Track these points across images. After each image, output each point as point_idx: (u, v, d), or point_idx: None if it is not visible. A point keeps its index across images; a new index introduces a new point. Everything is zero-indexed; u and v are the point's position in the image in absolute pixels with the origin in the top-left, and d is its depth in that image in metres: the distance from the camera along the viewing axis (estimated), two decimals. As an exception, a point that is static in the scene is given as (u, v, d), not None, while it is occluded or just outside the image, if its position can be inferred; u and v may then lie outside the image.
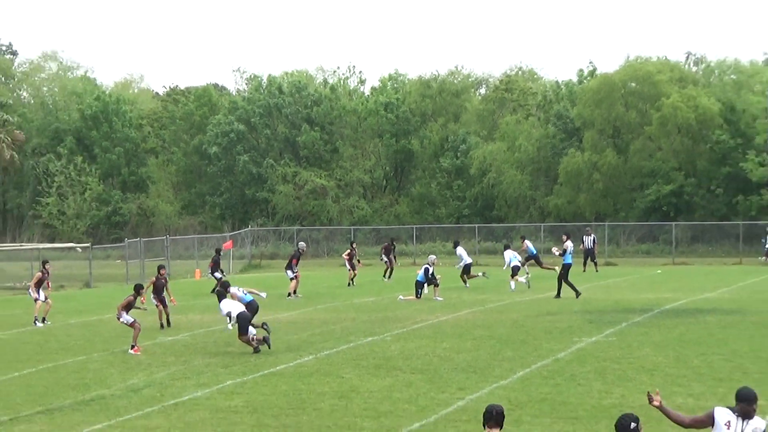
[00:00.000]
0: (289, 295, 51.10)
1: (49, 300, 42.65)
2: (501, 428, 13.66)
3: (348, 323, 39.84)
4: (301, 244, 57.01)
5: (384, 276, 62.35)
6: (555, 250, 50.93)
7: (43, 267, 44.48)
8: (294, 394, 25.47)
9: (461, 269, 56.29)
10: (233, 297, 34.72)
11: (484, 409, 14.16)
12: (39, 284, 42.47)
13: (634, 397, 24.10)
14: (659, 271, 67.06)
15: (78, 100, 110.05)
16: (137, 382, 27.57)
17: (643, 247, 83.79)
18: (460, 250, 56.95)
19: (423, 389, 25.66)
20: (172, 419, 22.96)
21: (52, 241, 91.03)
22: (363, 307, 46.29)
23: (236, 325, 33.02)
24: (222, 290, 34.82)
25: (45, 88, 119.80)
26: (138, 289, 35.00)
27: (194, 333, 37.86)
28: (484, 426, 13.78)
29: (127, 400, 25.19)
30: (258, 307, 34.86)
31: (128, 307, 34.34)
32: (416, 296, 49.09)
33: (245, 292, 35.48)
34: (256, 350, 32.39)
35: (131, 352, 33.19)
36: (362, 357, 31.05)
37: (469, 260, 56.55)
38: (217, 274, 55.61)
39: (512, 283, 53.52)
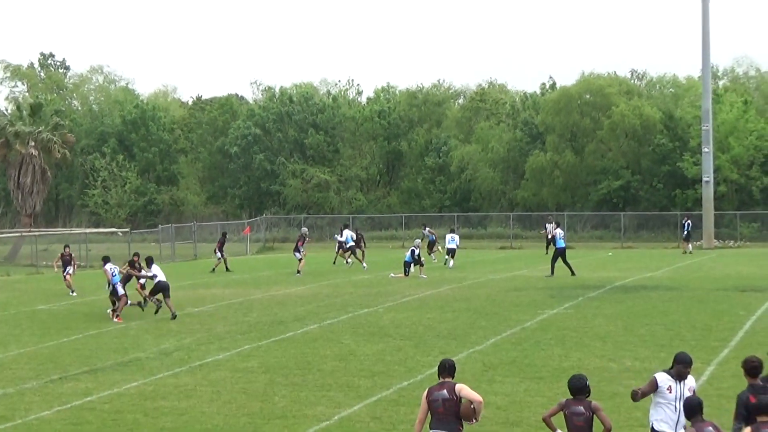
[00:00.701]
0: (298, 272, 50.91)
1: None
2: (453, 378, 13.61)
3: (347, 297, 39.72)
4: (304, 229, 56.79)
5: (335, 260, 60.62)
6: (548, 230, 50.22)
7: (65, 249, 44.48)
8: (301, 356, 25.37)
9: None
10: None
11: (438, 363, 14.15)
12: (65, 263, 42.81)
13: (590, 360, 24.02)
14: (610, 254, 66.98)
15: (120, 107, 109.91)
16: (168, 347, 27.46)
17: (596, 233, 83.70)
18: (450, 235, 57.08)
19: (410, 353, 25.57)
20: (198, 378, 22.86)
21: (97, 226, 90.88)
22: (359, 283, 46.14)
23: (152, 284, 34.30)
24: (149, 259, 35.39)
25: (92, 97, 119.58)
26: (131, 264, 35.29)
27: (217, 305, 37.71)
28: (438, 376, 13.73)
29: (160, 362, 25.08)
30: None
31: (127, 279, 34.75)
32: (404, 274, 49.04)
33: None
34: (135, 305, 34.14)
35: (114, 320, 33.06)
36: (359, 326, 30.95)
37: (450, 245, 56.45)
38: (218, 254, 55.55)
39: (450, 262, 55.53)
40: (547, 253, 62.45)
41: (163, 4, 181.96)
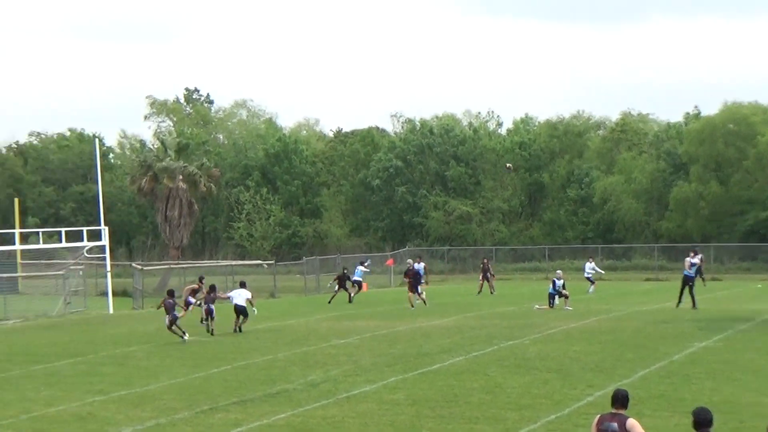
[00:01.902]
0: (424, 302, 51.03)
1: (192, 307, 42.60)
2: (626, 409, 13.50)
3: (492, 329, 39.53)
4: (408, 261, 56.83)
5: (479, 292, 60.81)
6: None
7: (200, 281, 45.00)
8: (447, 389, 25.31)
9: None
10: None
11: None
12: (194, 293, 42.86)
13: (742, 394, 23.48)
14: (759, 286, 65.51)
15: (262, 140, 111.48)
16: (315, 378, 27.64)
17: (744, 264, 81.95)
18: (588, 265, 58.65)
19: (557, 386, 25.31)
20: (345, 410, 22.95)
21: (243, 258, 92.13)
22: (504, 315, 45.92)
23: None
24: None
25: (236, 131, 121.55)
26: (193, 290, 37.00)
27: (362, 337, 37.87)
28: (612, 406, 13.63)
29: (307, 393, 25.26)
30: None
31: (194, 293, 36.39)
32: (549, 306, 48.69)
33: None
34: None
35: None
36: (505, 358, 30.77)
37: (587, 274, 59.68)
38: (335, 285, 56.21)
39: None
40: (704, 285, 61.34)
41: (304, 39, 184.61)
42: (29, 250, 61.75)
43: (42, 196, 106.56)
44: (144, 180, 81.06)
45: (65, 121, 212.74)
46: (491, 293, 59.72)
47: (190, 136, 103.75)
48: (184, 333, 37.72)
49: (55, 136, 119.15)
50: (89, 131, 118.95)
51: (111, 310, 51.96)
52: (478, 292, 59.54)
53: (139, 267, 64.03)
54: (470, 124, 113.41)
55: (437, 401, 23.67)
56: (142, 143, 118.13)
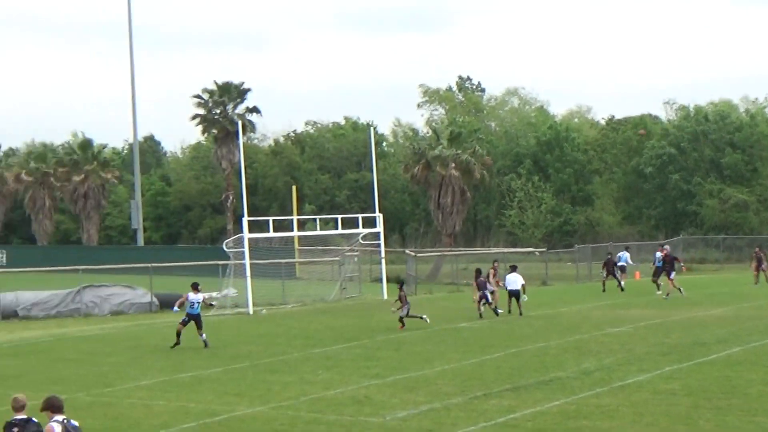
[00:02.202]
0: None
1: (495, 292, 42.82)
2: None
3: (771, 320, 38.21)
4: (665, 247, 55.07)
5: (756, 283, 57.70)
6: None
7: (493, 264, 45.02)
8: (724, 380, 24.65)
9: None
10: None
11: None
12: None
13: None
14: None
15: (534, 128, 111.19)
16: (588, 366, 27.40)
17: None
18: None
19: (843, 380, 24.25)
20: (619, 399, 22.67)
21: (514, 246, 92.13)
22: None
23: None
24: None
25: (507, 119, 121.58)
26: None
27: (636, 325, 37.28)
28: None
29: (580, 381, 25.07)
30: None
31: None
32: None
33: None
34: None
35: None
36: (785, 350, 29.71)
37: None
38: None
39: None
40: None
41: (575, 26, 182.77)
42: (306, 237, 63.52)
43: (318, 184, 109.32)
44: (417, 168, 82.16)
45: (341, 110, 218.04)
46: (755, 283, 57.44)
47: (462, 125, 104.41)
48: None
49: (330, 125, 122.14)
50: (363, 120, 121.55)
51: (385, 296, 52.87)
52: (755, 283, 57.37)
53: (413, 254, 64.95)
54: (747, 110, 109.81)
55: (714, 392, 23.07)
56: (415, 131, 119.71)
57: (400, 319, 37.58)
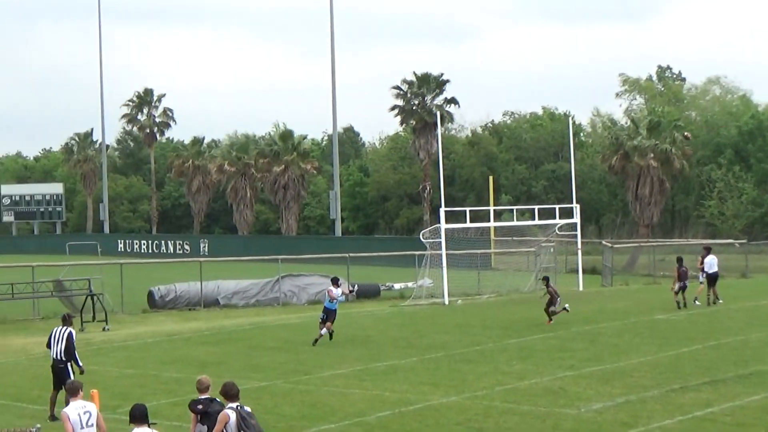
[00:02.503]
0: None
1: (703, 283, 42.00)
2: None
3: None
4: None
5: None
6: None
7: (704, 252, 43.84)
8: None
9: None
10: None
11: None
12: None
13: None
14: None
15: (735, 118, 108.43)
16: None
17: None
18: None
19: None
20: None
21: (713, 237, 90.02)
22: None
23: None
24: None
25: (709, 109, 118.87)
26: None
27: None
28: None
29: (784, 376, 24.41)
30: None
31: None
32: None
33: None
34: None
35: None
36: None
37: None
38: None
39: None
40: None
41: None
42: (502, 227, 63.41)
43: (515, 174, 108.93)
44: (615, 158, 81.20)
45: (538, 100, 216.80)
46: None
47: (661, 114, 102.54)
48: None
49: (527, 115, 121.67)
50: (561, 110, 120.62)
51: (581, 287, 52.41)
52: None
53: (609, 245, 64.17)
54: None
55: None
56: (613, 121, 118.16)
57: (551, 313, 36.75)
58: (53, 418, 21.43)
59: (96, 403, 21.41)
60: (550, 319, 36.65)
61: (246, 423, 14.67)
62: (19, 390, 25.34)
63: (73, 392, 15.79)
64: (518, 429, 19.80)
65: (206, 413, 15.30)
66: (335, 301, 33.30)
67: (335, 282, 34.46)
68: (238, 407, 14.81)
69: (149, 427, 14.52)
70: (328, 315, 32.95)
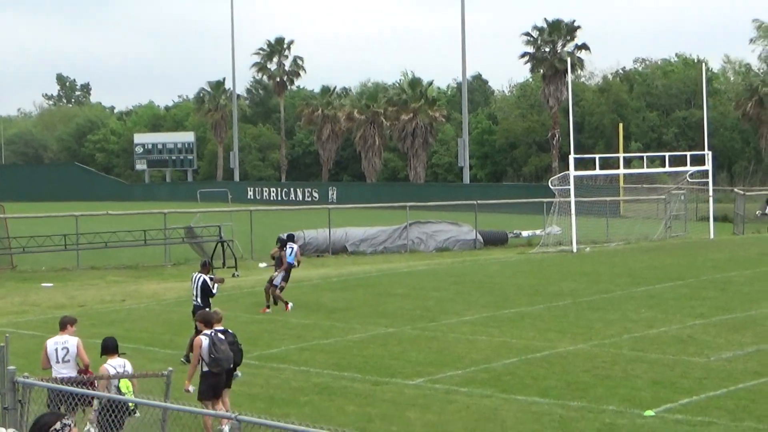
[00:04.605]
0: None
1: None
2: None
3: None
4: None
5: None
6: None
7: None
8: None
9: None
10: None
11: None
12: None
13: None
14: None
15: None
16: None
17: None
18: None
19: None
20: None
21: None
22: None
23: None
24: None
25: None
26: None
27: None
28: None
29: None
30: None
31: None
32: None
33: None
34: None
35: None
36: None
37: None
38: None
39: None
40: None
41: None
42: (631, 175, 62.61)
43: (645, 122, 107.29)
44: (749, 105, 79.52)
45: (670, 46, 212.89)
46: None
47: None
48: None
49: (659, 62, 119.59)
50: (694, 56, 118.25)
51: (712, 235, 51.56)
52: None
53: (741, 192, 62.94)
54: None
55: None
56: (748, 67, 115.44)
57: None
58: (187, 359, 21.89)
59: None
60: None
61: (216, 348, 16.15)
62: (151, 335, 25.88)
63: (61, 326, 16.41)
64: (646, 377, 19.60)
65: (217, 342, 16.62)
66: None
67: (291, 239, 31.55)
68: (213, 333, 16.33)
69: (119, 356, 15.55)
70: None
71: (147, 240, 44.60)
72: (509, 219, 59.41)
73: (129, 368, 15.44)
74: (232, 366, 16.77)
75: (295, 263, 30.52)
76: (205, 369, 16.35)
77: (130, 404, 14.18)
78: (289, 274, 30.26)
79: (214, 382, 16.43)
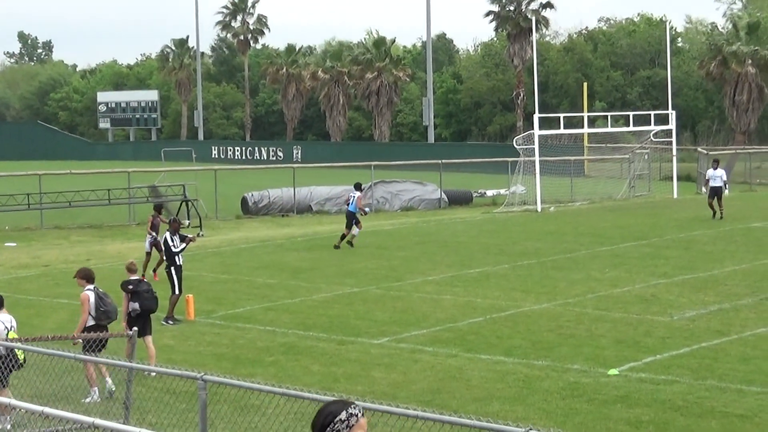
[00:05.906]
0: None
1: None
2: None
3: None
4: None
5: None
6: None
7: None
8: None
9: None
10: None
11: None
12: None
13: None
14: None
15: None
16: None
17: None
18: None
19: None
20: None
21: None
22: None
23: None
24: None
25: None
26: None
27: None
28: None
29: None
30: None
31: None
32: None
33: None
34: None
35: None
36: None
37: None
38: None
39: None
40: None
41: None
42: (596, 134, 62.81)
43: (609, 81, 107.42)
44: (713, 64, 79.74)
45: (634, 6, 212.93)
46: None
47: (761, 20, 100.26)
48: None
49: (624, 21, 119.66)
50: (657, 15, 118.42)
51: (675, 195, 51.85)
52: None
53: (704, 151, 63.23)
54: None
55: None
56: (713, 25, 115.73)
57: None
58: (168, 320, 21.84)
59: (191, 308, 21.75)
60: None
61: (103, 301, 16.80)
62: (116, 294, 25.73)
63: None
64: (610, 336, 19.71)
65: (136, 292, 17.90)
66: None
67: (358, 188, 35.07)
68: (95, 288, 16.89)
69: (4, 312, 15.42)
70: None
71: (111, 199, 44.37)
72: (474, 178, 59.51)
73: (15, 323, 15.40)
74: (148, 313, 18.00)
75: (360, 212, 33.58)
76: (92, 323, 16.73)
77: (20, 358, 14.67)
78: (352, 221, 33.17)
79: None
